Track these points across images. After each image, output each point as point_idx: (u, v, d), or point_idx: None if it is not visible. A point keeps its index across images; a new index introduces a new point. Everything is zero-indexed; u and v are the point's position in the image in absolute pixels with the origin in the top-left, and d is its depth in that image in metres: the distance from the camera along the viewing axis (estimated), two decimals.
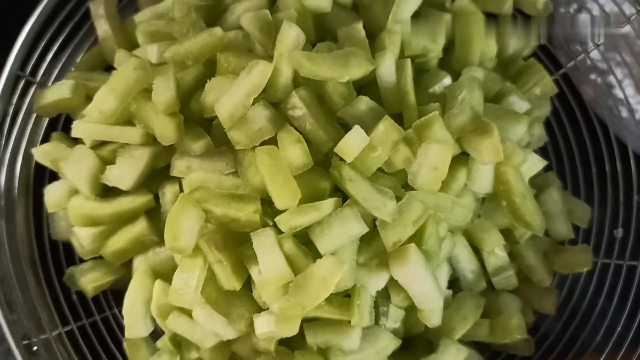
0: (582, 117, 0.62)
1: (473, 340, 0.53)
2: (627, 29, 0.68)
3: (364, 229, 0.44)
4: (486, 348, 0.58)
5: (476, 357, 0.53)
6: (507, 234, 0.55)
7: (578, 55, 0.62)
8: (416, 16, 0.56)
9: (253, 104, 0.45)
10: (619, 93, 0.62)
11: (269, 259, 0.43)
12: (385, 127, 0.44)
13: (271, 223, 0.45)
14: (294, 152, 0.44)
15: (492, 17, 0.58)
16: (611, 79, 0.63)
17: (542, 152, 0.62)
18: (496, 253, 0.53)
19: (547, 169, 0.58)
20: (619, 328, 0.53)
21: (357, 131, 0.43)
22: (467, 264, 0.53)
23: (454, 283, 0.55)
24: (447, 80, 0.53)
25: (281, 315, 0.44)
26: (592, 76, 0.64)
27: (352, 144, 0.43)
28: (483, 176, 0.50)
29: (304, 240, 0.45)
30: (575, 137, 0.62)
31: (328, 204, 0.44)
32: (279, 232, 0.45)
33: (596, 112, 0.61)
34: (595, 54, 0.63)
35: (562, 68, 0.62)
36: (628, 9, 0.67)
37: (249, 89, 0.45)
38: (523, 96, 0.56)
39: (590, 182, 0.60)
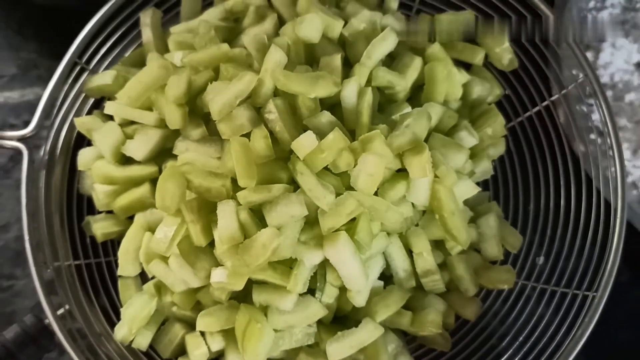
0: (531, 161, 0.72)
1: (397, 327, 0.64)
2: (632, 96, 0.77)
3: (303, 212, 0.55)
4: (413, 340, 0.68)
5: (395, 339, 0.63)
6: (441, 244, 0.66)
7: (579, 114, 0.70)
8: (394, 56, 0.68)
9: (239, 104, 0.59)
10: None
11: (226, 222, 0.55)
12: (334, 136, 0.56)
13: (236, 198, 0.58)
14: (260, 145, 0.57)
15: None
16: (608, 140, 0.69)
17: (494, 184, 0.73)
18: (425, 257, 0.63)
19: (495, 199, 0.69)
20: (521, 337, 0.63)
21: (309, 135, 0.56)
22: (400, 263, 0.64)
23: (390, 279, 0.65)
24: (408, 111, 0.65)
25: (231, 271, 0.57)
26: (592, 136, 0.73)
27: (304, 144, 0.56)
28: (420, 191, 0.61)
29: (261, 216, 0.58)
30: (522, 177, 0.72)
31: (278, 187, 0.56)
32: (239, 205, 0.57)
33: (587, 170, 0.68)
34: (596, 116, 0.72)
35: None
36: (637, 79, 0.76)
37: (237, 92, 0.58)
38: (474, 133, 0.66)
39: (527, 216, 0.70)
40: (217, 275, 0.57)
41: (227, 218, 0.56)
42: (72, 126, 0.71)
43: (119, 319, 0.65)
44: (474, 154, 0.68)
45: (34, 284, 0.62)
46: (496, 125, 0.68)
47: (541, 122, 0.71)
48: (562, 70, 0.70)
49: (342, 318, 0.64)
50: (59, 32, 0.88)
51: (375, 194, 0.59)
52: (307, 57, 0.65)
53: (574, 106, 0.71)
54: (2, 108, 0.86)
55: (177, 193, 0.57)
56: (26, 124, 0.66)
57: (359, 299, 0.60)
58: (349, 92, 0.61)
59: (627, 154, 0.76)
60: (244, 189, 0.57)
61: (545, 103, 0.71)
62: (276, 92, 0.61)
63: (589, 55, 0.79)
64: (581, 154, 0.69)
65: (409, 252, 0.64)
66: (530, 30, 0.69)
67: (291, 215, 0.55)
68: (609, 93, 0.77)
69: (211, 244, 0.59)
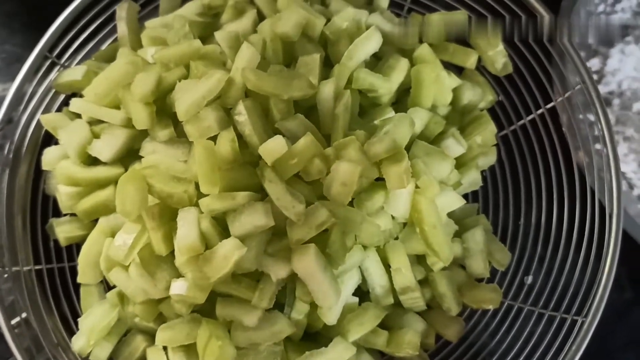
0: (523, 173, 0.67)
1: (371, 347, 0.60)
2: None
3: (269, 222, 0.52)
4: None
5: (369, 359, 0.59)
6: (423, 259, 0.62)
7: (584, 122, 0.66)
8: (380, 57, 0.64)
9: (207, 105, 0.55)
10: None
11: (185, 231, 0.52)
12: (305, 142, 0.52)
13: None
14: (226, 149, 0.53)
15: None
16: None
17: (484, 195, 0.68)
18: (403, 273, 0.59)
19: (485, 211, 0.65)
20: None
21: (277, 139, 0.52)
22: (377, 279, 0.60)
23: (366, 295, 0.61)
24: (391, 115, 0.61)
25: (192, 283, 0.53)
26: (597, 146, 0.69)
27: (272, 148, 0.52)
28: (399, 202, 0.57)
29: (225, 225, 0.54)
30: (513, 190, 0.68)
31: (243, 195, 0.52)
32: (202, 213, 0.53)
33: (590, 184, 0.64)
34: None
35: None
36: None
37: (205, 92, 0.54)
38: (461, 141, 0.62)
39: (517, 231, 0.66)
40: (177, 288, 0.53)
41: (188, 226, 0.52)
42: (40, 123, 0.67)
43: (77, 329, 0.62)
44: (462, 163, 0.64)
45: None
46: (487, 133, 0.64)
47: (535, 130, 0.66)
48: (567, 74, 0.66)
49: (313, 334, 0.60)
50: (45, 26, 0.84)
51: (351, 204, 0.55)
52: (286, 56, 0.61)
53: (578, 115, 0.66)
54: None
55: (138, 198, 0.54)
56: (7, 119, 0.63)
57: (330, 317, 0.56)
58: (326, 95, 0.57)
59: (633, 166, 0.72)
60: (202, 199, 0.53)
61: (540, 111, 0.66)
62: (248, 93, 0.57)
63: (596, 61, 0.75)
64: (585, 164, 0.65)
65: (387, 267, 0.60)
66: (524, 30, 0.64)
67: (256, 226, 0.52)
68: (616, 101, 0.73)
69: (173, 252, 0.55)
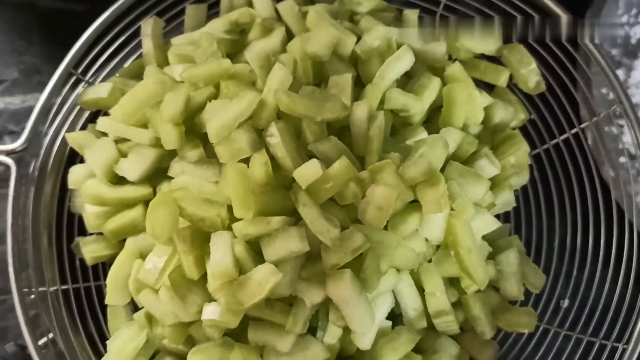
0: (557, 192, 0.66)
1: None
2: None
3: (304, 247, 0.51)
4: None
5: None
6: (456, 282, 0.61)
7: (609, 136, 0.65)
8: (410, 75, 0.63)
9: (239, 126, 0.54)
10: None
11: (219, 256, 0.51)
12: (340, 165, 0.51)
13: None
14: (259, 172, 0.52)
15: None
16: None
17: (516, 215, 0.67)
18: (437, 296, 0.58)
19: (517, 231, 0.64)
20: None
21: (313, 163, 0.51)
22: (411, 302, 0.59)
23: (398, 318, 0.60)
24: (423, 136, 0.60)
25: (225, 308, 0.52)
26: (622, 159, 0.68)
27: (307, 172, 0.51)
28: (434, 225, 0.56)
29: (258, 248, 0.53)
30: (547, 210, 0.66)
31: (277, 220, 0.51)
32: (235, 237, 0.52)
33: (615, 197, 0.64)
34: (627, 138, 0.67)
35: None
36: None
37: (237, 113, 0.53)
38: (495, 162, 0.61)
39: (552, 254, 0.65)
40: (209, 313, 0.52)
41: (221, 251, 0.51)
42: (64, 141, 0.66)
43: (104, 349, 0.61)
44: (495, 183, 0.62)
45: (16, 311, 0.57)
46: (520, 153, 0.63)
47: (569, 149, 0.65)
48: (592, 93, 0.65)
49: (345, 359, 0.59)
50: (65, 38, 0.84)
51: (385, 227, 0.54)
52: (316, 76, 0.60)
53: (603, 128, 0.65)
54: (2, 114, 0.82)
55: (169, 221, 0.53)
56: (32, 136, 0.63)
57: (364, 342, 0.55)
58: (359, 116, 0.56)
59: None
60: (235, 223, 0.52)
61: (574, 130, 0.65)
62: (280, 114, 0.56)
63: (620, 73, 0.73)
64: (610, 180, 0.64)
65: (421, 290, 0.59)
66: (549, 31, 0.63)
67: (291, 251, 0.51)
68: None
69: (205, 276, 0.54)
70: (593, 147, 0.65)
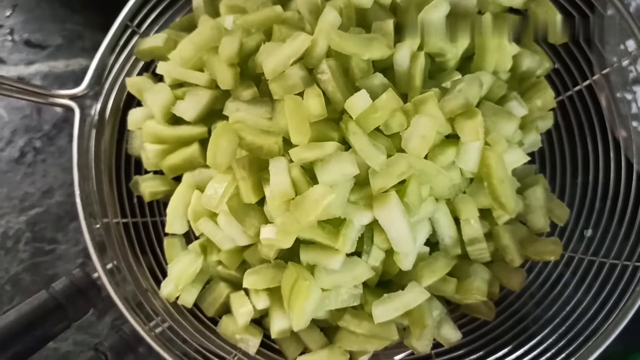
0: (580, 137, 0.71)
1: (441, 295, 0.64)
2: None
3: (355, 170, 0.55)
4: (456, 309, 0.68)
5: (439, 306, 0.63)
6: (488, 214, 0.65)
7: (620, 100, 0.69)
8: (446, 24, 0.68)
9: (292, 64, 0.59)
10: None
11: (278, 178, 0.56)
12: (387, 97, 0.56)
13: (288, 156, 0.58)
14: (313, 104, 0.57)
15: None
16: None
17: (541, 158, 0.72)
18: (472, 224, 0.63)
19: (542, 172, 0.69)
20: (568, 307, 0.63)
21: (363, 94, 0.56)
22: (447, 230, 0.63)
23: (435, 246, 0.65)
24: (457, 78, 0.64)
25: (281, 228, 0.57)
26: (634, 123, 0.72)
27: (357, 102, 0.56)
28: (469, 156, 0.61)
29: (311, 175, 0.58)
30: (570, 151, 0.71)
31: (331, 145, 0.56)
32: (291, 162, 0.57)
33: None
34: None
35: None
36: None
37: (290, 53, 0.58)
38: (523, 104, 0.66)
39: (575, 190, 0.70)
40: (267, 232, 0.57)
41: (280, 174, 0.56)
42: (121, 88, 0.71)
43: (162, 277, 0.66)
44: (523, 125, 0.67)
45: (84, 238, 0.62)
46: (546, 97, 0.68)
47: (592, 95, 0.70)
48: (605, 50, 0.70)
49: (386, 283, 0.64)
50: (105, 6, 0.89)
51: (425, 158, 0.59)
52: (358, 23, 0.65)
53: (616, 93, 0.70)
54: (47, 77, 0.88)
55: (230, 150, 0.58)
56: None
57: (406, 262, 0.60)
58: (402, 55, 0.60)
59: None
60: (292, 149, 0.57)
61: (596, 76, 0.70)
62: (328, 54, 0.61)
63: (632, 42, 0.76)
64: (622, 139, 0.69)
65: (456, 220, 0.64)
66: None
67: (343, 174, 0.55)
68: None
69: (259, 202, 0.59)
70: (607, 109, 0.70)
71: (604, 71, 0.69)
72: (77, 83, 0.68)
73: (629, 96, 0.72)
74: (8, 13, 0.91)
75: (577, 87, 0.71)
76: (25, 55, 0.89)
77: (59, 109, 0.86)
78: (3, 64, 0.89)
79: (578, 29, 0.70)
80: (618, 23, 0.70)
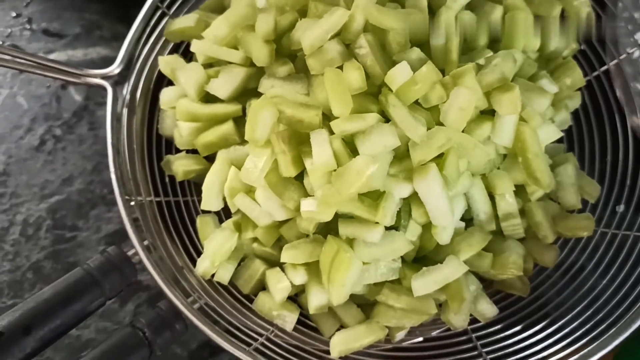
0: (608, 116, 0.72)
1: (476, 270, 0.64)
2: None
3: (396, 142, 0.56)
4: (489, 287, 0.68)
5: (475, 282, 0.63)
6: (521, 191, 0.66)
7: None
8: (475, 7, 0.69)
9: (330, 39, 0.59)
10: None
11: (320, 150, 0.56)
12: (427, 69, 0.57)
13: (327, 129, 0.58)
14: (354, 76, 0.57)
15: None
16: None
17: (568, 138, 0.73)
18: (507, 199, 0.63)
19: (569, 152, 0.70)
20: (604, 281, 0.63)
21: (403, 65, 0.56)
22: (482, 205, 0.64)
23: (469, 222, 0.65)
24: (490, 54, 0.65)
25: (322, 200, 0.57)
26: None
27: (398, 75, 0.56)
28: (505, 131, 0.61)
29: (352, 148, 0.58)
30: (598, 131, 0.72)
31: (372, 117, 0.56)
32: (332, 134, 0.57)
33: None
34: None
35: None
36: None
37: (328, 27, 0.59)
38: (554, 82, 0.66)
39: (604, 168, 0.70)
40: (307, 205, 0.57)
41: (321, 146, 0.56)
42: (151, 69, 0.72)
43: (196, 256, 0.66)
44: (553, 103, 0.68)
45: (121, 215, 0.62)
46: (575, 76, 0.68)
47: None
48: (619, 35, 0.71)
49: (422, 259, 0.64)
50: None
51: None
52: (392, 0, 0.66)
53: (630, 83, 0.71)
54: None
55: (269, 124, 0.58)
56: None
57: (444, 236, 0.60)
58: (439, 29, 0.61)
59: None
60: (333, 121, 0.57)
61: (623, 55, 0.71)
62: (365, 29, 0.61)
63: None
64: (638, 128, 0.70)
65: (490, 197, 0.64)
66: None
67: (384, 145, 0.56)
68: None
69: (298, 177, 0.60)
70: (622, 98, 0.71)
71: (622, 57, 0.70)
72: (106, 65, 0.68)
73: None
74: (26, 2, 0.92)
75: (604, 67, 0.72)
76: (44, 44, 0.89)
77: (78, 97, 0.86)
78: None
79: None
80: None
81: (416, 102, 0.59)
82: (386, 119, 0.59)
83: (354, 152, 0.57)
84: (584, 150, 0.72)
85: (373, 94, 0.60)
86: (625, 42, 0.72)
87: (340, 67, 0.58)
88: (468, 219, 0.65)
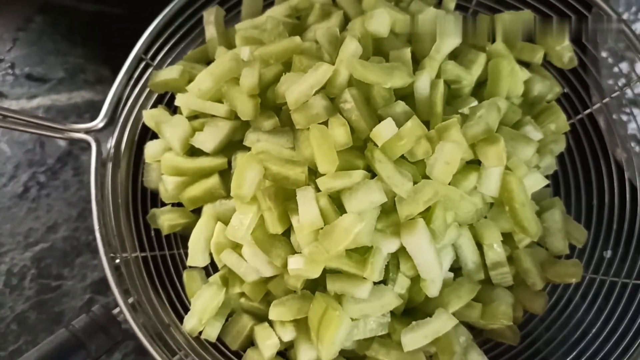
0: (593, 159, 0.72)
1: (466, 321, 0.63)
2: None
3: (383, 198, 0.56)
4: (479, 335, 0.68)
5: (465, 332, 0.62)
6: (508, 238, 0.66)
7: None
8: (458, 53, 0.69)
9: (314, 94, 0.59)
10: None
11: (307, 208, 0.55)
12: (412, 124, 0.57)
13: (313, 185, 0.58)
14: (339, 133, 0.57)
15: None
16: None
17: (554, 181, 0.73)
18: (495, 248, 0.63)
19: (555, 195, 0.70)
20: (593, 330, 0.63)
21: (389, 122, 0.56)
22: (470, 255, 0.64)
23: (458, 271, 0.65)
24: (475, 104, 0.65)
25: (309, 257, 0.56)
26: (633, 143, 0.74)
27: (383, 131, 0.56)
28: (491, 181, 0.61)
29: (338, 204, 0.58)
30: (583, 173, 0.72)
31: (358, 174, 0.56)
32: (318, 192, 0.57)
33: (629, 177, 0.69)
34: (633, 125, 0.73)
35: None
36: None
37: (313, 82, 0.59)
38: (538, 128, 0.67)
39: (591, 212, 0.71)
40: (294, 263, 0.57)
41: (308, 204, 0.56)
42: (136, 121, 0.72)
43: (182, 311, 0.65)
44: (538, 149, 0.68)
45: (106, 274, 0.62)
46: (559, 121, 0.69)
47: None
48: (601, 77, 0.71)
49: (411, 311, 0.64)
50: (106, 39, 0.90)
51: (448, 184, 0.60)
52: (375, 52, 0.66)
53: (613, 115, 0.71)
54: (50, 110, 0.87)
55: (255, 181, 0.58)
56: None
57: (432, 289, 0.59)
58: (422, 83, 0.61)
59: None
60: (319, 178, 0.57)
61: (606, 100, 0.71)
62: (349, 83, 0.61)
63: (625, 65, 0.77)
64: (624, 160, 0.70)
65: (478, 246, 0.64)
66: (591, 30, 0.69)
67: (371, 201, 0.56)
68: None
69: (284, 233, 0.59)
70: (606, 130, 0.72)
71: (604, 100, 0.71)
72: (80, 116, 0.68)
73: (624, 117, 0.74)
74: (9, 47, 0.91)
75: (588, 110, 0.73)
76: (27, 89, 0.89)
77: (62, 143, 0.85)
78: (5, 98, 0.88)
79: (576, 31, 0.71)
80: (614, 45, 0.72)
81: (402, 156, 0.59)
82: (372, 173, 0.58)
83: (339, 207, 0.57)
84: (569, 192, 0.72)
85: (359, 148, 0.60)
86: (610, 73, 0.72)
87: (325, 123, 0.58)
88: (456, 268, 0.65)
